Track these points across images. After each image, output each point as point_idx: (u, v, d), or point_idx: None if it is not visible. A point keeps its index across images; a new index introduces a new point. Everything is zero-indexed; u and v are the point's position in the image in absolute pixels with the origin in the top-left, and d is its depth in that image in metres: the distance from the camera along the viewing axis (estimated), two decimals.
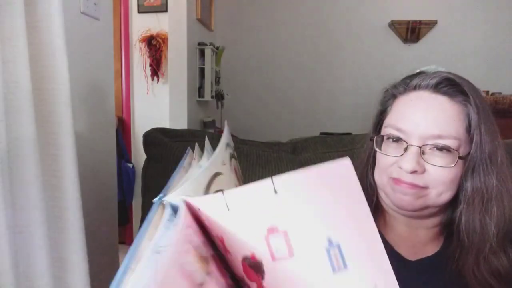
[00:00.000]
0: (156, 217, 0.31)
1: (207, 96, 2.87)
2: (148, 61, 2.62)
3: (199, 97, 2.88)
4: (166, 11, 2.58)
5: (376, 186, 0.64)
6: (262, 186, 0.28)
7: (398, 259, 0.60)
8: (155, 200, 0.32)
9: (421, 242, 0.64)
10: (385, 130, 0.61)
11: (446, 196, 0.57)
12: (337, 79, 3.57)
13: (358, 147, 1.04)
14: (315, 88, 3.61)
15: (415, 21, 3.37)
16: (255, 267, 0.30)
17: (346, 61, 3.56)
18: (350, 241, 0.28)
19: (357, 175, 0.59)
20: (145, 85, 2.69)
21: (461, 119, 0.56)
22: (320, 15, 3.54)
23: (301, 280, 0.28)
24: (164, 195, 0.32)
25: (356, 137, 1.08)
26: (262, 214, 0.29)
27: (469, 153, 0.56)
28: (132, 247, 0.27)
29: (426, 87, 0.58)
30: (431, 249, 0.63)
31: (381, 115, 0.65)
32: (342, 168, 0.28)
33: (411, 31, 3.40)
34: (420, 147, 0.55)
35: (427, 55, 3.35)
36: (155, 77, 2.65)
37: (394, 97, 0.62)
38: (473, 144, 0.56)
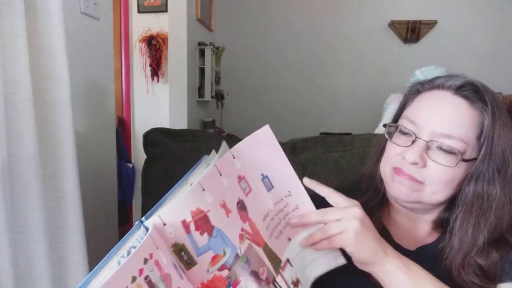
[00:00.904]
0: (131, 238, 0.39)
1: (207, 96, 2.87)
2: (148, 61, 2.62)
3: (199, 97, 2.88)
4: (166, 11, 2.58)
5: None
6: (227, 157, 0.48)
7: (399, 250, 0.62)
8: (136, 223, 0.41)
9: (422, 234, 0.66)
10: (400, 121, 0.63)
11: (439, 196, 0.59)
12: (337, 79, 3.57)
13: (358, 147, 1.04)
14: (315, 88, 3.61)
15: (415, 21, 3.37)
16: (242, 206, 0.48)
17: (346, 61, 3.56)
18: (272, 172, 0.53)
19: (369, 166, 0.71)
20: (145, 85, 2.69)
21: (474, 125, 0.57)
22: (320, 15, 3.54)
23: (260, 200, 0.51)
24: (147, 218, 0.41)
25: (356, 137, 1.08)
26: (231, 170, 0.48)
27: (474, 159, 0.58)
28: (103, 260, 0.35)
29: (449, 88, 0.59)
30: (430, 239, 0.66)
31: (403, 107, 0.66)
32: (265, 131, 0.53)
33: (411, 31, 3.40)
34: (427, 142, 0.57)
35: (427, 55, 3.35)
36: (155, 77, 2.65)
37: (418, 92, 0.64)
38: (481, 153, 0.57)
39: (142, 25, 2.63)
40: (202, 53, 2.85)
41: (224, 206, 0.45)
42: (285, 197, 0.54)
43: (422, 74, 1.89)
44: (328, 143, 1.06)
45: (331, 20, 3.54)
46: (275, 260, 0.50)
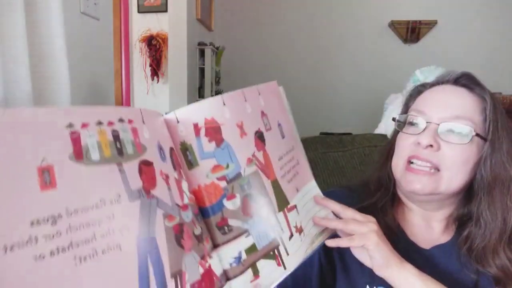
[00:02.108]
0: None
1: (207, 96, 2.87)
2: (148, 61, 2.63)
3: (199, 97, 2.88)
4: (166, 11, 2.58)
5: (393, 177, 0.67)
6: (253, 90, 0.52)
7: (413, 248, 0.64)
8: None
9: (436, 233, 0.67)
10: (408, 113, 0.65)
11: (456, 182, 0.60)
12: (337, 79, 3.58)
13: (358, 147, 1.04)
14: (315, 88, 3.61)
15: (415, 21, 3.37)
16: (261, 137, 0.50)
17: (346, 61, 3.56)
18: (282, 123, 0.56)
19: (376, 169, 0.73)
20: (145, 85, 2.69)
21: (478, 109, 0.60)
22: (321, 15, 3.54)
23: (277, 141, 0.54)
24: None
25: (356, 137, 1.08)
26: (256, 103, 0.51)
27: (485, 139, 0.60)
28: None
29: (448, 81, 0.64)
30: (444, 238, 0.66)
31: (406, 107, 0.69)
32: (274, 85, 0.57)
33: (411, 31, 3.40)
34: (438, 125, 0.59)
35: (427, 55, 3.35)
36: (155, 77, 2.65)
37: (420, 92, 0.68)
38: (489, 135, 0.59)
39: (142, 25, 2.63)
40: (202, 53, 2.85)
41: (240, 127, 0.48)
42: (291, 150, 0.57)
43: (422, 74, 1.89)
44: (328, 143, 1.06)
45: (331, 20, 3.54)
46: (282, 200, 0.52)
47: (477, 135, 0.59)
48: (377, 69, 3.48)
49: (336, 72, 3.58)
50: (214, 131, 0.46)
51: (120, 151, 0.36)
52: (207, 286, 0.41)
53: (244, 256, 0.46)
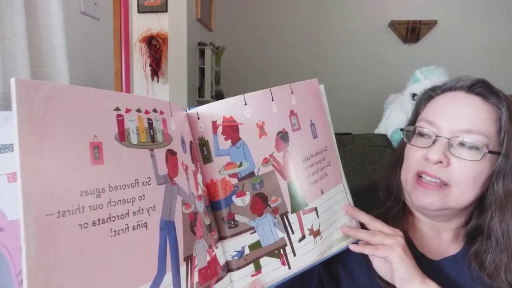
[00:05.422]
0: None
1: (207, 96, 2.87)
2: (148, 61, 2.62)
3: (199, 97, 2.88)
4: (166, 11, 2.58)
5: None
6: (285, 89, 0.52)
7: (422, 259, 0.61)
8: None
9: (445, 243, 0.65)
10: (417, 124, 0.63)
11: (467, 197, 0.57)
12: (337, 79, 3.57)
13: (358, 147, 1.04)
14: None
15: (415, 21, 3.37)
16: (284, 137, 0.51)
17: (346, 61, 3.56)
18: (317, 122, 0.56)
19: (386, 176, 0.71)
20: (145, 85, 2.69)
21: (492, 119, 0.57)
22: (320, 15, 3.54)
23: (305, 142, 0.53)
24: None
25: (356, 137, 1.08)
26: (285, 102, 0.52)
27: (498, 153, 0.57)
28: None
29: (461, 88, 0.60)
30: (453, 249, 0.64)
31: (416, 114, 0.66)
32: (315, 83, 0.57)
33: (411, 31, 3.40)
34: (449, 139, 0.56)
35: (427, 55, 3.35)
36: (155, 77, 2.65)
37: (430, 97, 0.64)
38: (504, 147, 0.56)
39: (142, 25, 2.63)
40: (202, 53, 2.85)
41: (261, 127, 0.49)
42: (323, 151, 0.57)
43: (422, 74, 1.88)
44: None
45: (331, 20, 3.54)
46: (299, 201, 0.52)
47: (490, 152, 0.56)
48: (377, 69, 3.48)
49: (336, 72, 3.58)
50: (231, 130, 0.47)
51: (153, 138, 0.38)
52: (212, 273, 0.44)
53: (247, 251, 0.48)
